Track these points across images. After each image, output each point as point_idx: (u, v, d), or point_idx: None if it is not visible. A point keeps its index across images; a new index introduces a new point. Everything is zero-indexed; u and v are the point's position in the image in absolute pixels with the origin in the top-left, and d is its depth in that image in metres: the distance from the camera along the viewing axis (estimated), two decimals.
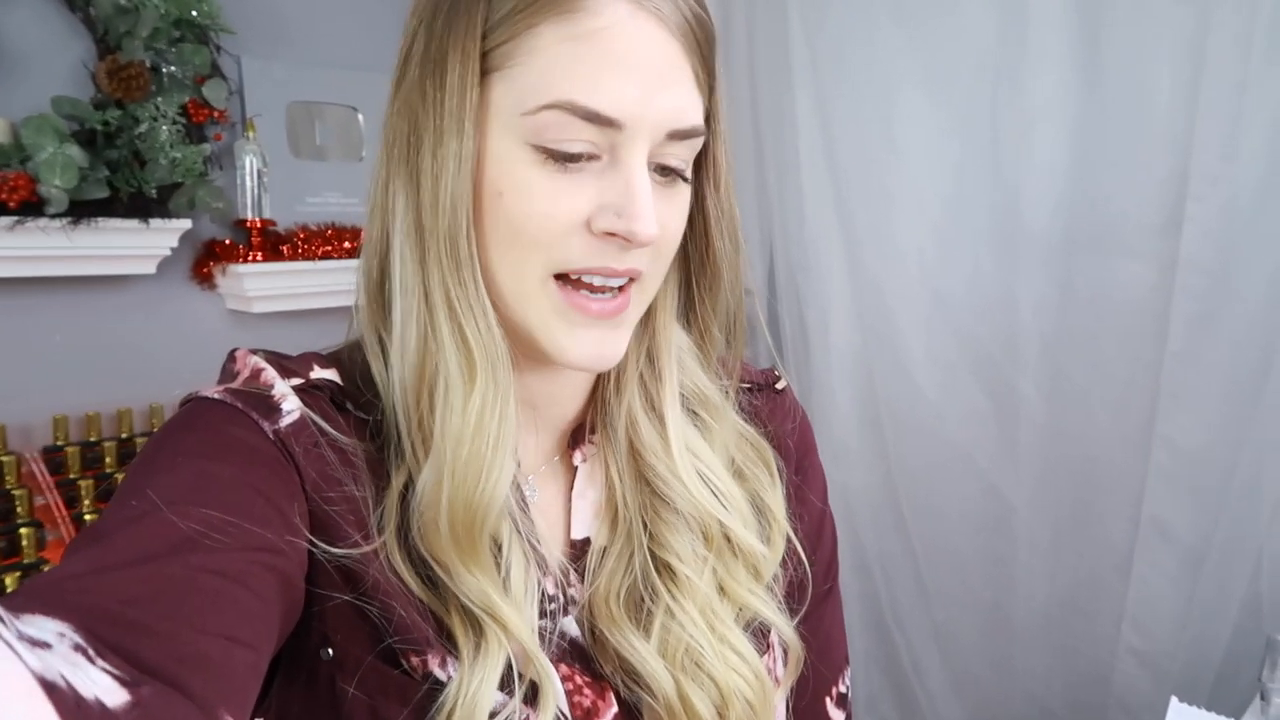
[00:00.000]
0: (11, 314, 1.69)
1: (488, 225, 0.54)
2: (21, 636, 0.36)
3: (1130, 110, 1.54)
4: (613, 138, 0.52)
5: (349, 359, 0.61)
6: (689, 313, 0.66)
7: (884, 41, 1.82)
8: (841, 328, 2.00)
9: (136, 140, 1.62)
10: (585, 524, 0.64)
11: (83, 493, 1.62)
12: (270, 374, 0.56)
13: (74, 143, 1.55)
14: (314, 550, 0.52)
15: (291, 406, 0.54)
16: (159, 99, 1.67)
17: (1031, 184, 1.68)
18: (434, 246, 0.53)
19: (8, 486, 1.58)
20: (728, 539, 0.64)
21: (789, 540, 0.67)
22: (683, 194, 0.58)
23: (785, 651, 0.67)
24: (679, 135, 0.54)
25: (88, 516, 1.59)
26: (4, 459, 1.59)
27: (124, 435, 1.78)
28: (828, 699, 0.72)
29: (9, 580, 1.43)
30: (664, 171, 0.56)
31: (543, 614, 0.59)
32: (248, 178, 1.87)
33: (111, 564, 0.42)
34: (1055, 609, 1.77)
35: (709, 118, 0.58)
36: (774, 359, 0.79)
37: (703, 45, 0.55)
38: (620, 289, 0.56)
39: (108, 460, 1.71)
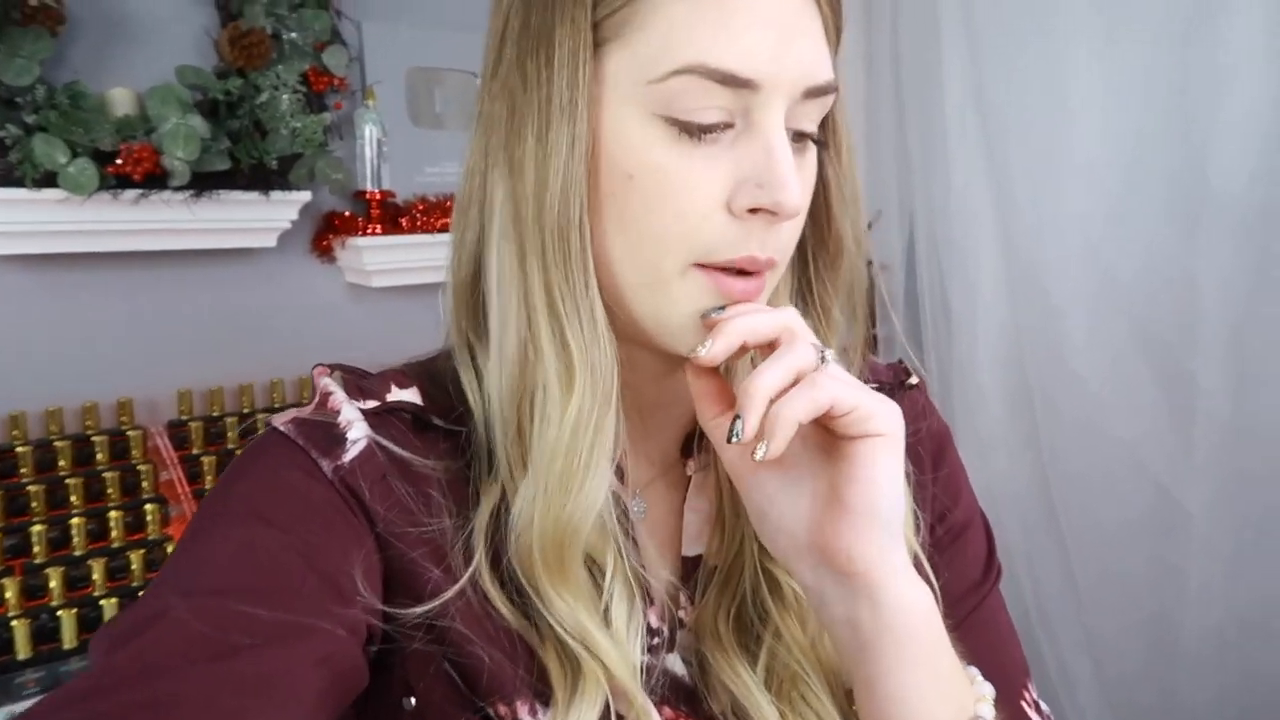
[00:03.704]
0: (137, 288, 1.68)
1: (612, 214, 0.49)
2: None
3: None
4: (747, 100, 0.47)
5: (442, 368, 0.58)
6: (805, 293, 0.59)
7: None
8: (990, 307, 1.84)
9: (257, 110, 1.59)
10: (696, 539, 0.60)
11: (205, 468, 1.61)
12: (337, 398, 0.53)
13: (197, 113, 1.52)
14: (386, 608, 0.49)
15: (358, 435, 0.51)
16: (280, 67, 1.63)
17: (1223, 148, 1.49)
18: (536, 242, 0.49)
19: (133, 461, 1.58)
20: None
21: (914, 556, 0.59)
22: (812, 160, 0.53)
23: None
24: (815, 93, 0.49)
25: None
26: (131, 433, 1.60)
27: (246, 410, 1.77)
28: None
29: (134, 557, 1.42)
30: (797, 137, 0.51)
31: (645, 649, 0.54)
32: (367, 147, 1.82)
33: (107, 686, 0.40)
34: (1234, 628, 1.58)
35: None
36: (905, 349, 0.69)
37: None
38: (755, 272, 0.51)
39: (230, 435, 1.70)
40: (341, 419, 0.52)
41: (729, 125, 0.48)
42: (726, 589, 0.58)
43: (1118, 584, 1.72)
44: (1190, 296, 1.56)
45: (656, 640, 0.56)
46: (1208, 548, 1.59)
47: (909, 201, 1.98)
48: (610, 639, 0.50)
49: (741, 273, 0.50)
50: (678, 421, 0.60)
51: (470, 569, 0.50)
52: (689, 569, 0.59)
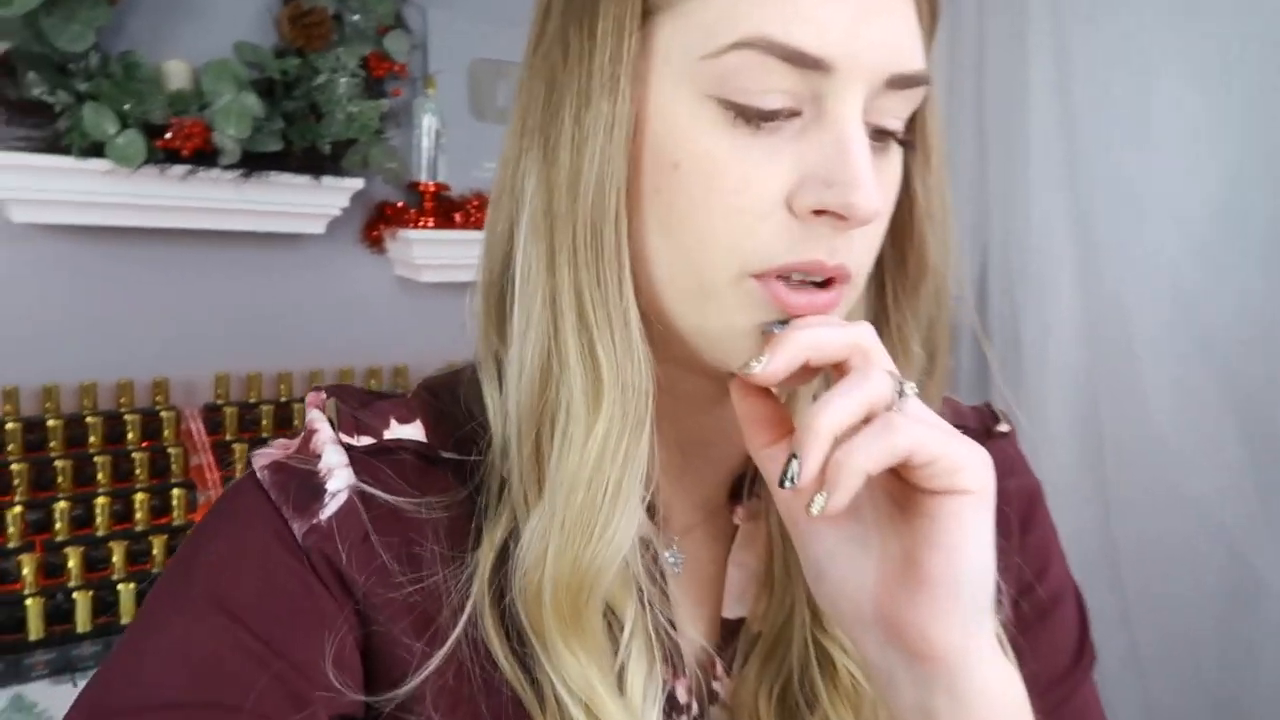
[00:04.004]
0: (180, 266, 1.66)
1: (656, 210, 0.42)
2: None
3: None
4: (817, 85, 0.40)
5: (468, 381, 0.51)
6: (881, 320, 0.51)
7: (1149, 8, 1.54)
8: (1065, 348, 1.74)
9: (314, 92, 1.55)
10: (740, 599, 0.52)
11: (237, 455, 1.57)
12: (321, 437, 0.47)
13: (252, 91, 1.48)
14: (361, 697, 0.44)
15: (338, 485, 0.45)
16: (340, 49, 1.60)
17: None
18: (567, 237, 0.42)
19: (165, 443, 1.55)
20: None
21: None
22: (895, 163, 0.45)
23: None
24: (900, 82, 0.41)
25: None
26: (164, 414, 1.57)
27: (283, 399, 1.73)
28: None
29: (156, 542, 1.38)
30: (878, 135, 0.43)
31: None
32: (424, 138, 1.78)
33: None
34: None
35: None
36: (1001, 392, 0.60)
37: None
38: (823, 284, 0.42)
39: (265, 424, 1.66)
40: (322, 466, 0.46)
41: (795, 113, 0.41)
42: (771, 661, 0.50)
43: (1184, 655, 1.60)
44: None
45: (684, 718, 0.49)
46: None
47: (984, 231, 1.88)
48: (623, 708, 0.44)
49: (806, 285, 0.42)
50: (726, 461, 0.53)
51: (462, 621, 0.44)
52: (728, 633, 0.52)
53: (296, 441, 0.49)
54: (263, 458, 0.47)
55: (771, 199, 0.40)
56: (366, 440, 0.48)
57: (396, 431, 0.49)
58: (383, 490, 0.46)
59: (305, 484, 0.45)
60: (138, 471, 1.48)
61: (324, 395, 0.50)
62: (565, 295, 0.42)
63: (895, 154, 0.45)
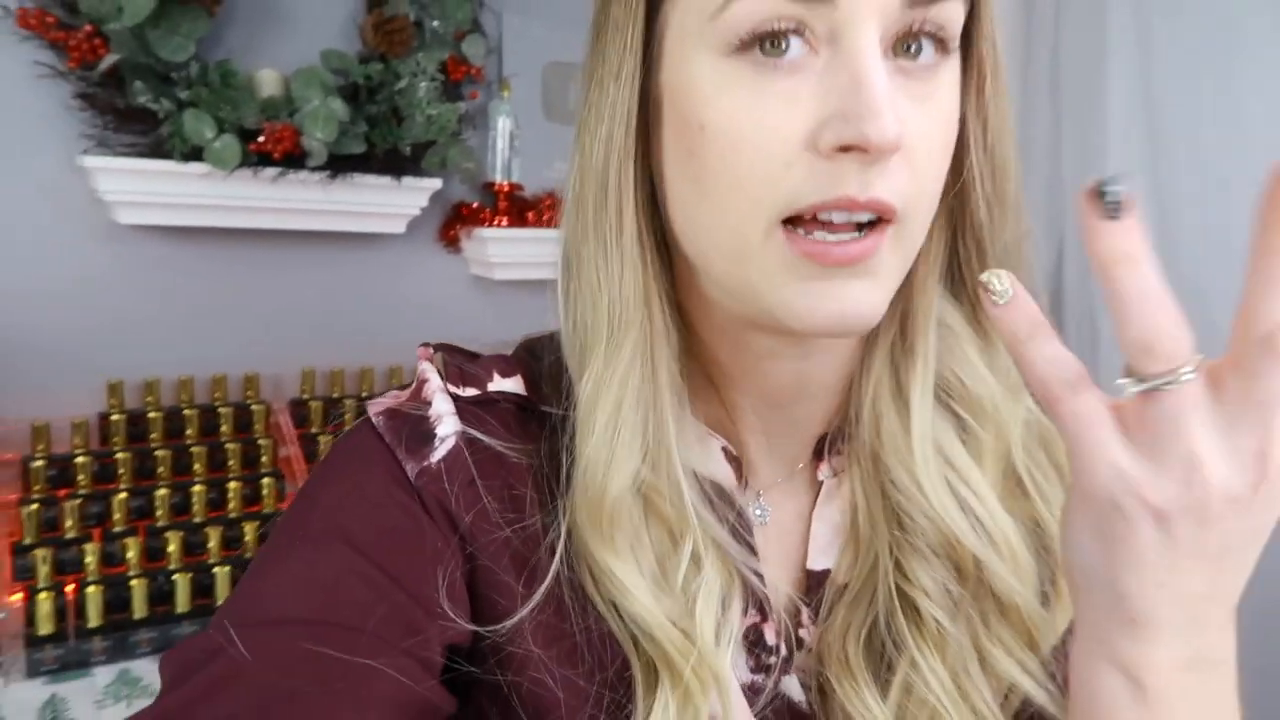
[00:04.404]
0: (271, 266, 1.72)
1: (687, 173, 0.44)
2: None
3: None
4: (830, 20, 0.40)
5: (560, 342, 0.54)
6: (957, 277, 0.51)
7: None
8: None
9: (396, 96, 1.61)
10: (825, 551, 0.54)
11: (322, 448, 1.63)
12: (432, 386, 0.51)
13: (338, 96, 1.54)
14: (471, 626, 0.47)
15: (447, 431, 0.49)
16: (420, 54, 1.65)
17: None
18: (586, 214, 0.47)
19: (255, 436, 1.61)
20: (987, 583, 0.50)
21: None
22: (942, 89, 0.43)
23: None
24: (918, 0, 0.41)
25: None
26: (255, 408, 1.63)
27: (364, 394, 1.78)
28: None
29: (248, 528, 1.45)
30: (907, 47, 0.42)
31: (759, 668, 0.51)
32: (499, 139, 1.82)
33: None
34: None
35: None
36: None
37: None
38: (868, 226, 0.42)
39: (348, 418, 1.71)
40: (433, 412, 0.50)
41: (811, 52, 0.41)
42: (857, 609, 0.52)
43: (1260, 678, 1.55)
44: None
45: (773, 659, 0.51)
46: None
47: (1060, 224, 1.85)
48: (666, 613, 0.46)
49: (845, 239, 0.41)
50: (809, 418, 0.54)
51: (556, 559, 0.47)
52: (814, 584, 0.53)
53: (408, 390, 0.52)
54: (377, 405, 0.50)
55: (794, 144, 0.41)
56: (471, 391, 0.51)
57: (499, 384, 0.52)
58: (487, 437, 0.49)
59: (417, 429, 0.49)
60: (231, 462, 1.55)
61: (431, 349, 0.54)
62: (584, 270, 0.48)
63: (943, 79, 0.43)
